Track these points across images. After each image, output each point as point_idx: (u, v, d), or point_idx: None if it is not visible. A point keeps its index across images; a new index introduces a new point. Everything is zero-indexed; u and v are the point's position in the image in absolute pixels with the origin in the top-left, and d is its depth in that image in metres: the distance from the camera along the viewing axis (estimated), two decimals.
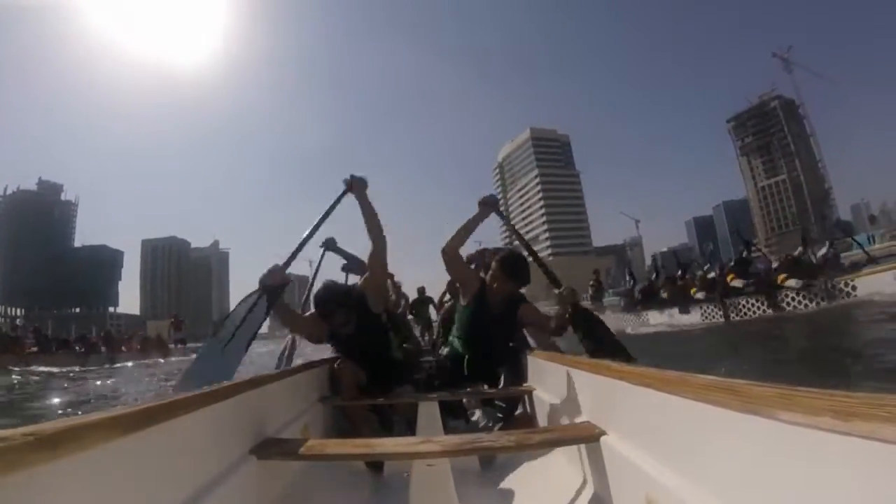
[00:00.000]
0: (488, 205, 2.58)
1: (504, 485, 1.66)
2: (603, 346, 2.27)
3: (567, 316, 2.36)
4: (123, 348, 17.82)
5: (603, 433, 1.25)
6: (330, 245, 3.92)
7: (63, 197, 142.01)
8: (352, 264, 4.06)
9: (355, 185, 2.42)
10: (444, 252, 2.47)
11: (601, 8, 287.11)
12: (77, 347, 16.29)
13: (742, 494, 0.73)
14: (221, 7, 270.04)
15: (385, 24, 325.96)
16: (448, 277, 3.33)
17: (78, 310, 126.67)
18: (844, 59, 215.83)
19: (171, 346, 19.05)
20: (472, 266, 3.23)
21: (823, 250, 9.40)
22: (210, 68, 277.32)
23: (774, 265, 9.90)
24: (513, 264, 2.38)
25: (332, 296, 2.20)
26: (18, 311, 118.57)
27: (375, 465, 1.80)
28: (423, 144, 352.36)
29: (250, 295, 2.18)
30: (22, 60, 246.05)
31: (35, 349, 14.98)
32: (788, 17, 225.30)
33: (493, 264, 2.44)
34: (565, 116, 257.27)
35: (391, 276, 4.90)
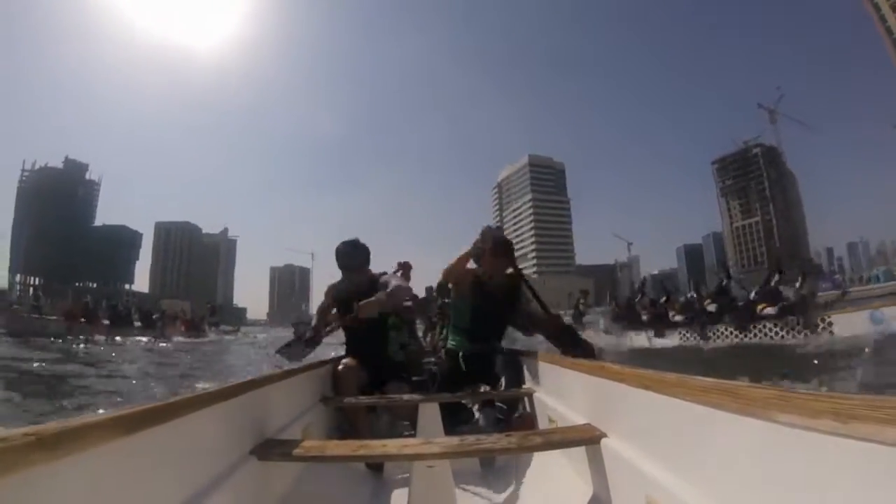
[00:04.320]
0: (489, 237, 2.40)
1: (504, 486, 1.68)
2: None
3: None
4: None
5: (603, 435, 1.26)
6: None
7: (87, 176, 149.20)
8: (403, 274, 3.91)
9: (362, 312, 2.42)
10: (445, 279, 2.58)
11: (611, 30, 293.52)
12: (137, 323, 18.11)
13: (742, 496, 0.74)
14: None
15: (402, 19, 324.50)
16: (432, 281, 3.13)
17: (94, 285, 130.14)
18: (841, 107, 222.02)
19: (207, 327, 21.17)
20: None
21: (797, 285, 9.54)
22: (225, 55, 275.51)
23: (752, 296, 10.06)
24: (497, 242, 2.41)
25: (352, 247, 2.52)
26: (37, 280, 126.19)
27: (376, 466, 1.83)
28: (431, 141, 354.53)
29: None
30: (47, 41, 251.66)
31: (108, 323, 16.62)
32: (794, 56, 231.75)
33: (483, 248, 2.41)
34: (570, 133, 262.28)
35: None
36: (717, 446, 0.81)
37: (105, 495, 0.72)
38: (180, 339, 17.68)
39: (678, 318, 11.07)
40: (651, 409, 1.04)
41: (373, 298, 2.31)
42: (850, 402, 0.56)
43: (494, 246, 2.40)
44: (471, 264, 2.51)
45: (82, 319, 15.99)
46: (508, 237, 2.65)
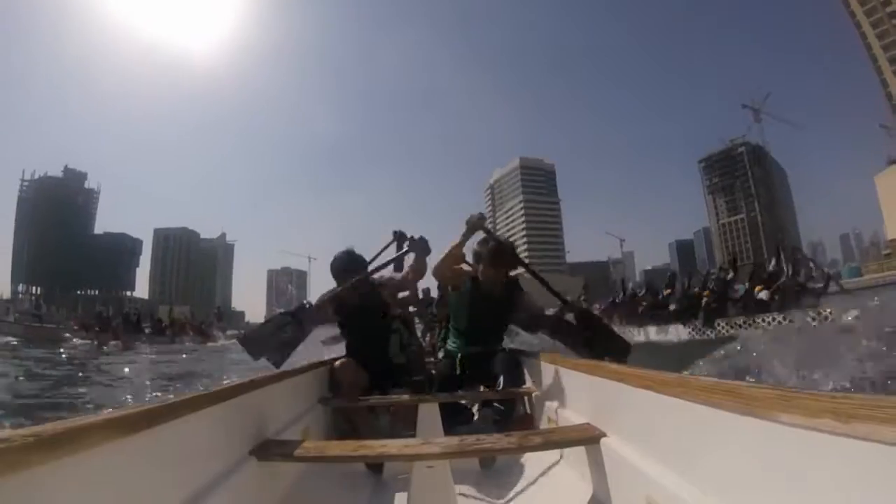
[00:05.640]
0: (474, 225, 2.52)
1: (504, 486, 1.67)
2: (602, 343, 2.31)
3: (563, 317, 2.45)
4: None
5: (603, 435, 1.26)
6: (401, 238, 3.45)
7: (86, 185, 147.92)
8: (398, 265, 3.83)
9: (416, 249, 2.48)
10: (434, 275, 2.52)
11: (605, 32, 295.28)
12: (146, 331, 18.90)
13: (742, 496, 0.74)
14: None
15: (398, 19, 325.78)
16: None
17: (96, 292, 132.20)
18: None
19: (216, 332, 21.55)
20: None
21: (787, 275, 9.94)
22: (220, 59, 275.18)
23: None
24: (496, 252, 2.41)
25: (349, 259, 2.48)
26: (38, 289, 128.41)
27: (375, 466, 1.82)
28: (426, 142, 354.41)
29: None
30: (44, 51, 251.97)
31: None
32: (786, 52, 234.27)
33: (482, 255, 2.44)
34: (563, 132, 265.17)
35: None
36: (718, 446, 0.81)
37: (105, 496, 0.72)
38: (190, 343, 18.32)
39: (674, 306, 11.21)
40: (651, 409, 1.03)
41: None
42: (850, 401, 0.56)
43: (493, 255, 2.40)
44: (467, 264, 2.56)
45: (97, 328, 16.92)
46: (503, 236, 2.76)
